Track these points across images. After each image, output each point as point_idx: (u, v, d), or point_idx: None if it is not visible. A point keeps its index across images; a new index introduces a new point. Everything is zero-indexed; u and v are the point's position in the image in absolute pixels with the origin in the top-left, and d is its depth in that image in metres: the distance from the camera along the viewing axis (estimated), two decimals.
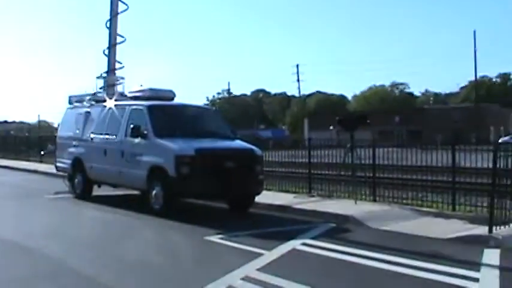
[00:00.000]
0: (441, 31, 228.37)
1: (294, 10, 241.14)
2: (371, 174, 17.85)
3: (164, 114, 17.70)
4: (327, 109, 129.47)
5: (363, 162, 17.97)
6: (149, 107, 17.50)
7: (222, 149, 16.78)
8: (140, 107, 17.75)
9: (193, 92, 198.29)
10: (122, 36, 23.33)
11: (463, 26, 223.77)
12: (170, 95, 19.67)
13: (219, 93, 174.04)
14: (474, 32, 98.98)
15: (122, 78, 22.73)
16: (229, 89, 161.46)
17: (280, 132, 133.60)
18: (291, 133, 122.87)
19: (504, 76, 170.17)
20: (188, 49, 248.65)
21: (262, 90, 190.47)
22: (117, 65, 23.16)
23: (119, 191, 19.98)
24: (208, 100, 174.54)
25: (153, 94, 19.09)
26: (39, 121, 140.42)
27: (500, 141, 64.70)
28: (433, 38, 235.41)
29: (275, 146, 25.89)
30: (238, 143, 17.63)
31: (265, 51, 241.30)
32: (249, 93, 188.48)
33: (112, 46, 23.09)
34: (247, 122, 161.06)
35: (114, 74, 22.89)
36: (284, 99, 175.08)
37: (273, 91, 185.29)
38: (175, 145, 15.99)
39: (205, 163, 15.73)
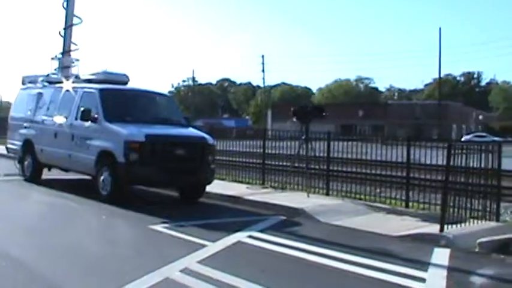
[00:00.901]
0: (409, 28, 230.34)
1: (263, 1, 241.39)
2: (325, 167, 17.53)
3: (116, 99, 17.22)
4: (291, 100, 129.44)
5: (317, 154, 17.74)
6: (101, 90, 17.01)
7: (173, 136, 16.33)
8: (92, 90, 17.25)
9: (159, 78, 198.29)
10: (79, 18, 22.80)
11: (430, 24, 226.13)
12: (124, 79, 19.14)
13: (184, 81, 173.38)
14: (439, 29, 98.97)
15: (77, 60, 22.28)
16: (194, 77, 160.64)
17: (244, 122, 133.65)
18: (254, 123, 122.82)
19: (468, 75, 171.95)
20: (154, 35, 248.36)
21: (228, 80, 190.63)
22: (73, 47, 22.64)
23: (70, 175, 19.50)
24: (173, 87, 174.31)
25: (107, 77, 18.51)
26: (2, 101, 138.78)
27: (462, 139, 65.54)
28: (400, 35, 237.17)
29: (238, 136, 25.54)
30: (191, 131, 17.26)
31: (232, 40, 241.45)
32: (214, 82, 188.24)
33: (68, 27, 22.52)
34: (212, 110, 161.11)
35: (69, 55, 22.36)
36: (249, 89, 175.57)
37: (238, 81, 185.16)
38: (125, 130, 15.55)
39: (155, 150, 15.38)
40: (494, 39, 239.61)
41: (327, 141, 17.66)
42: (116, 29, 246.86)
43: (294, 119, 17.84)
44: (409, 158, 15.59)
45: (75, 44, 22.80)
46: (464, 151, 12.64)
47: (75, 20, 22.69)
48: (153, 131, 15.86)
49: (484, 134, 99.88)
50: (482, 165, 13.08)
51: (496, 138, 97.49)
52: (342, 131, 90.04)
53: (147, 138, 15.24)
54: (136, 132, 15.47)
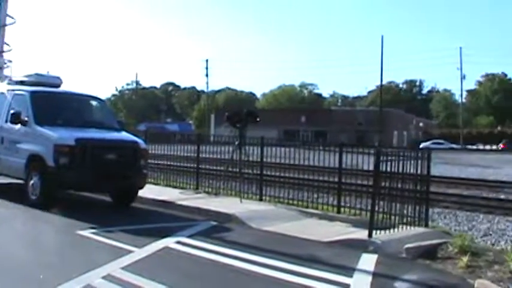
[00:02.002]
0: (355, 35, 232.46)
1: (208, 5, 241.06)
2: (258, 172, 17.51)
3: (47, 102, 16.84)
4: (235, 105, 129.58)
5: (251, 159, 17.71)
6: (31, 93, 16.63)
7: (104, 140, 16.06)
8: (23, 93, 16.86)
9: (103, 81, 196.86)
10: (12, 17, 22.40)
11: (375, 32, 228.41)
12: (57, 82, 18.74)
13: (128, 84, 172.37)
14: (382, 37, 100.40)
15: (10, 61, 21.89)
16: (137, 80, 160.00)
17: (187, 126, 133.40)
18: (197, 128, 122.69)
19: (410, 83, 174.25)
20: (99, 38, 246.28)
21: (172, 84, 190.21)
22: (6, 48, 22.22)
23: (2, 179, 19.06)
24: (117, 90, 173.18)
25: (39, 80, 18.10)
26: None
27: (421, 146, 66.96)
28: (345, 42, 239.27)
29: (181, 140, 25.37)
30: (123, 135, 16.99)
31: (177, 44, 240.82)
32: (158, 85, 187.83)
33: (1, 27, 22.12)
34: (156, 114, 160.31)
35: (2, 56, 21.96)
36: (193, 93, 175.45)
37: (182, 85, 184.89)
38: (55, 133, 15.23)
39: (86, 154, 15.09)
40: (436, 49, 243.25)
41: (260, 146, 17.61)
42: (60, 32, 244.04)
43: (228, 124, 17.79)
44: (341, 164, 15.65)
45: (7, 44, 22.39)
46: (394, 157, 12.71)
47: (8, 20, 22.29)
48: (84, 134, 15.57)
49: (441, 141, 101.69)
50: (413, 172, 13.16)
51: (454, 145, 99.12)
52: (284, 136, 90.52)
53: (77, 142, 14.95)
54: (66, 135, 15.17)
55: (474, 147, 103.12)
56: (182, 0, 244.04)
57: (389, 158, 12.54)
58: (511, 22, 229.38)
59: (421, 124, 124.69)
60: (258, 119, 17.94)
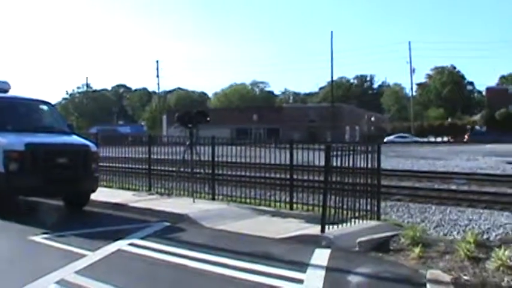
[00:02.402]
0: (305, 32, 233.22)
1: (158, 5, 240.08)
2: (210, 172, 17.50)
3: None
4: (187, 105, 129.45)
5: (203, 159, 17.70)
6: None
7: (55, 145, 15.90)
8: None
9: (53, 85, 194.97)
10: None
11: (326, 28, 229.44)
12: (5, 87, 18.50)
13: (79, 88, 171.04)
14: (331, 33, 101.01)
15: None
16: (88, 83, 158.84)
17: (139, 128, 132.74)
18: (149, 129, 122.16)
19: (361, 78, 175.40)
20: (48, 42, 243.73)
21: (123, 86, 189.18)
22: None
23: None
24: (68, 94, 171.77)
25: None
26: None
27: (385, 140, 68.08)
28: (296, 39, 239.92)
29: (134, 142, 25.19)
30: (73, 139, 16.82)
31: (127, 46, 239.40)
32: (109, 88, 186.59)
33: None
34: (108, 117, 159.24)
35: None
36: (145, 95, 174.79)
37: (133, 86, 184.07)
38: (3, 139, 15.01)
39: (36, 159, 14.91)
40: (386, 44, 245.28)
41: (211, 146, 17.60)
42: (7, 36, 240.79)
43: (178, 124, 17.77)
44: (292, 161, 15.70)
45: None
46: (344, 152, 12.78)
47: None
48: (33, 139, 15.37)
49: (406, 134, 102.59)
50: (364, 166, 13.27)
51: (417, 139, 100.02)
52: (237, 135, 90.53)
53: (27, 147, 14.78)
54: (15, 141, 14.97)
55: (425, 139, 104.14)
56: (131, 1, 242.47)
57: (339, 153, 12.61)
58: (458, 15, 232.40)
59: (372, 118, 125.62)
60: (208, 119, 17.93)
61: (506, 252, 9.22)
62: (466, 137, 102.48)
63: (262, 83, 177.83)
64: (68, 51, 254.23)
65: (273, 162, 16.62)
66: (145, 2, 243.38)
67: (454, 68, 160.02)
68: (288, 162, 16.10)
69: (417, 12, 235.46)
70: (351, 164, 12.86)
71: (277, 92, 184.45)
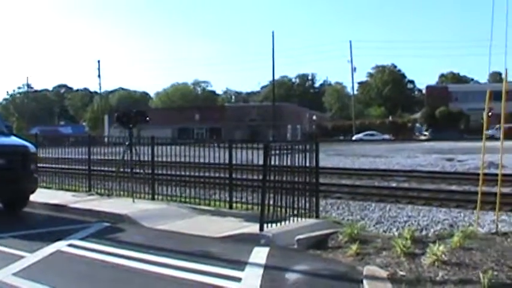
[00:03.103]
0: (247, 31, 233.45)
1: (99, 5, 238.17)
2: (150, 172, 17.45)
3: None
4: (129, 105, 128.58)
5: (142, 159, 17.62)
6: None
7: None
8: None
9: None
10: None
11: (268, 27, 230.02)
12: None
13: (19, 88, 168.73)
14: (272, 33, 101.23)
15: None
16: (28, 84, 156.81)
17: (81, 128, 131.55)
18: (91, 130, 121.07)
19: (303, 77, 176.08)
20: None
21: (65, 86, 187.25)
22: None
23: None
24: (8, 94, 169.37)
25: None
26: None
27: (353, 138, 69.02)
28: (238, 39, 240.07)
29: (75, 143, 24.93)
30: (12, 140, 16.57)
31: (68, 45, 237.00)
32: (51, 88, 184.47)
33: None
34: (49, 117, 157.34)
35: None
36: (86, 95, 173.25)
37: (75, 87, 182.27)
38: None
39: None
40: (327, 43, 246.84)
41: (151, 145, 17.53)
42: None
43: (117, 124, 17.67)
44: (231, 160, 15.72)
45: None
46: (283, 151, 12.84)
47: None
48: None
49: (374, 132, 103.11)
50: (303, 164, 13.33)
51: (386, 136, 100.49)
52: (179, 134, 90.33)
53: None
54: None
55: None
56: (72, 1, 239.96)
57: (277, 151, 12.66)
58: (399, 14, 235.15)
59: (314, 117, 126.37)
60: (147, 119, 17.86)
61: (441, 248, 9.37)
62: (426, 134, 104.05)
63: (204, 82, 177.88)
64: (8, 51, 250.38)
65: (213, 161, 16.62)
66: (87, 0, 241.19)
67: (395, 66, 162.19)
68: (225, 161, 16.13)
69: (358, 12, 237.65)
70: (290, 163, 12.94)
71: (219, 91, 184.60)
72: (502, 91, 12.02)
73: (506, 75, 12.56)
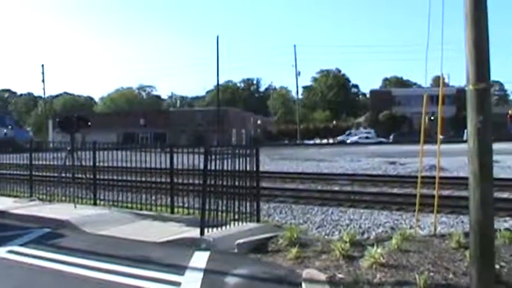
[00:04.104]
0: (191, 36, 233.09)
1: (43, 9, 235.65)
2: (92, 177, 17.32)
3: None
4: (73, 110, 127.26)
5: (84, 164, 17.50)
6: None
7: None
8: None
9: None
10: None
11: (212, 32, 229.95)
12: None
13: None
14: (217, 37, 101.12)
15: None
16: None
17: (24, 133, 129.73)
18: (35, 134, 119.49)
19: (248, 81, 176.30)
20: None
21: (8, 90, 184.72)
22: None
23: None
24: None
25: None
26: None
27: (348, 141, 69.01)
28: (182, 43, 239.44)
29: (17, 149, 24.58)
30: None
31: (12, 49, 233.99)
32: None
33: None
34: None
35: None
36: (30, 99, 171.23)
37: (19, 91, 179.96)
38: None
39: None
40: (272, 47, 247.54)
41: (93, 151, 17.42)
42: None
43: (59, 130, 17.54)
44: (172, 165, 15.70)
45: None
46: (223, 156, 12.88)
47: None
48: None
49: (370, 131, 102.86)
50: (244, 168, 13.38)
51: (382, 139, 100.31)
52: (124, 139, 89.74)
53: None
54: None
55: (311, 141, 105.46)
56: (15, 1, 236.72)
57: (218, 156, 12.70)
58: (343, 19, 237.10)
59: (259, 121, 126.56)
60: (89, 124, 17.75)
61: (379, 250, 9.51)
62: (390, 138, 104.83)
63: (149, 87, 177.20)
64: None
65: (157, 166, 16.58)
66: (30, 2, 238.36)
67: (339, 71, 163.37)
68: (167, 166, 16.09)
69: (303, 17, 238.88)
70: (231, 167, 12.98)
71: (164, 96, 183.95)
72: (439, 95, 12.27)
73: (442, 80, 12.82)
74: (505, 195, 20.39)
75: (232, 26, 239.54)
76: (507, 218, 16.08)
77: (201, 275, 9.40)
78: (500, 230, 11.47)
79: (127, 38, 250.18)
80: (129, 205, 16.49)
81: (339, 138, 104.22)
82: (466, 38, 7.71)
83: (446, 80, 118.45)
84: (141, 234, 12.92)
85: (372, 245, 10.01)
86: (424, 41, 11.81)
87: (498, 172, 28.59)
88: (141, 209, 16.02)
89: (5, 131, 73.60)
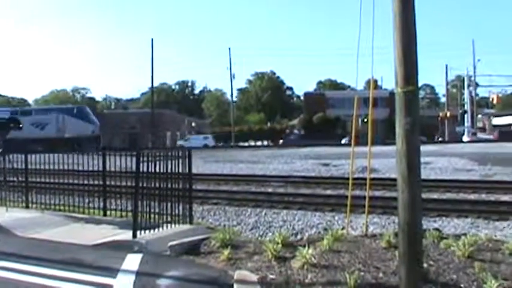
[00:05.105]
0: (127, 38, 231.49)
1: None
2: (24, 179, 17.08)
3: None
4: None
5: (16, 167, 17.26)
6: None
7: None
8: None
9: None
10: None
11: (146, 34, 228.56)
12: None
13: None
14: (152, 40, 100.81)
15: None
16: None
17: None
18: None
19: (182, 84, 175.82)
20: None
21: None
22: None
23: None
24: None
25: None
26: None
27: (343, 141, 68.95)
28: (117, 45, 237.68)
29: None
30: None
31: None
32: None
33: None
34: None
35: None
36: None
37: None
38: None
39: None
40: (206, 50, 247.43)
41: (25, 153, 17.20)
42: None
43: None
44: (104, 167, 15.58)
45: None
46: (156, 158, 12.86)
47: None
48: None
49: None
50: (176, 171, 13.36)
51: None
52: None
53: None
54: None
55: (246, 144, 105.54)
56: None
57: (151, 158, 12.66)
58: (279, 20, 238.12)
59: (193, 124, 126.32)
60: (20, 126, 17.53)
61: (310, 251, 9.63)
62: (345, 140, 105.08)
63: (83, 89, 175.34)
64: None
65: (89, 169, 16.45)
66: None
67: (274, 73, 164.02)
68: (99, 169, 15.97)
69: (239, 19, 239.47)
70: (163, 170, 12.96)
71: (98, 98, 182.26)
72: (370, 98, 12.46)
73: (372, 84, 13.02)
74: (435, 195, 20.72)
75: (168, 29, 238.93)
76: (436, 218, 16.33)
77: (133, 277, 9.38)
78: (429, 230, 11.72)
79: (62, 39, 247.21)
80: (62, 208, 16.28)
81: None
82: (394, 42, 7.86)
83: (379, 83, 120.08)
84: (73, 237, 12.82)
85: (304, 246, 10.10)
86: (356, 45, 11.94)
87: (429, 173, 29.15)
88: (73, 212, 15.89)
89: None
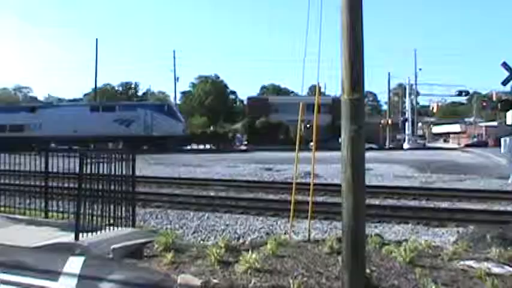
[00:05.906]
0: (71, 37, 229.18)
1: None
2: None
3: None
4: None
5: None
6: None
7: None
8: None
9: None
10: None
11: (93, 35, 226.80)
12: None
13: None
14: (96, 40, 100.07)
15: None
16: None
17: None
18: None
19: (126, 85, 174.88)
20: None
21: None
22: None
23: None
24: None
25: None
26: None
27: (340, 140, 69.21)
28: (61, 44, 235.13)
29: None
30: None
31: None
32: None
33: None
34: None
35: None
36: None
37: None
38: None
39: None
40: (151, 51, 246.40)
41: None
42: None
43: None
44: (47, 168, 15.35)
45: None
46: (99, 159, 12.74)
47: None
48: None
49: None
50: (119, 173, 13.26)
51: (373, 146, 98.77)
52: None
53: None
54: None
55: (189, 147, 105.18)
56: None
57: (94, 160, 12.55)
58: (224, 23, 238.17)
59: None
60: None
61: (254, 256, 9.66)
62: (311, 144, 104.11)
63: (25, 88, 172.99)
64: None
65: (30, 169, 16.20)
66: None
67: (218, 77, 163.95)
68: (41, 169, 15.72)
69: (183, 22, 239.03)
70: (107, 172, 12.86)
71: (40, 97, 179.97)
72: (315, 105, 12.55)
73: (318, 91, 13.11)
74: (377, 201, 20.96)
75: (111, 30, 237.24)
76: (377, 224, 16.52)
77: (75, 280, 9.30)
78: (371, 236, 11.86)
79: (5, 37, 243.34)
80: (1, 209, 15.97)
81: None
82: (341, 50, 7.94)
83: (322, 90, 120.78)
84: (14, 239, 12.58)
85: (247, 250, 10.14)
86: (303, 51, 12.04)
87: (370, 179, 29.47)
88: (13, 213, 15.58)
89: None
